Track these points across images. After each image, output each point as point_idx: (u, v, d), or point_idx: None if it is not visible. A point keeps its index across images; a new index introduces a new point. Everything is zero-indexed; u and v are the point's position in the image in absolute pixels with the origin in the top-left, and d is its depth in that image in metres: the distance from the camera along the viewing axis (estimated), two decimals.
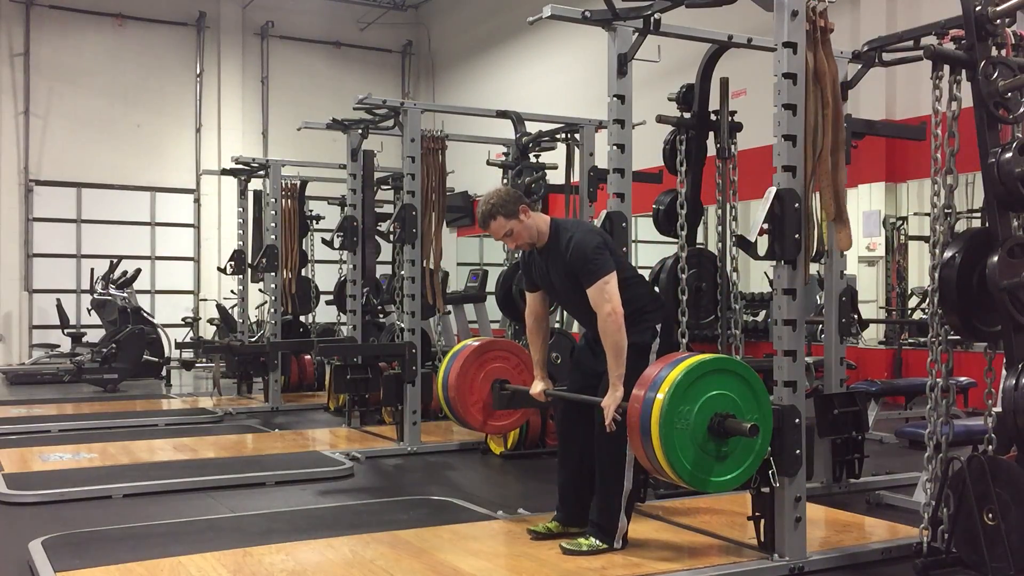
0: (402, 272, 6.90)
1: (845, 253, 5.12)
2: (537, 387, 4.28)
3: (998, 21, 3.53)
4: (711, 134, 5.22)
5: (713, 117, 5.19)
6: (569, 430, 4.17)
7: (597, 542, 3.90)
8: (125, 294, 12.09)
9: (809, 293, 7.50)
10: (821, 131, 3.86)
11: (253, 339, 10.71)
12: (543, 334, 4.31)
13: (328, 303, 10.60)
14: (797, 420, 3.69)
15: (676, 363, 3.53)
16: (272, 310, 9.69)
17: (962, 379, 6.84)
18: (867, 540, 4.22)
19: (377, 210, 8.68)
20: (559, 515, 4.16)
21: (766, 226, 3.69)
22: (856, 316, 5.19)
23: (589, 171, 6.75)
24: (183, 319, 14.54)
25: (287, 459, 6.27)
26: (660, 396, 3.43)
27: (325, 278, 11.29)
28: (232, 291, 12.35)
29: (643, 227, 9.21)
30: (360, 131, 7.76)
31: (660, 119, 5.10)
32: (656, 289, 5.20)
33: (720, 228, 5.26)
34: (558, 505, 4.19)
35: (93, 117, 15.44)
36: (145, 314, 12.31)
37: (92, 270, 13.16)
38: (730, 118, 5.21)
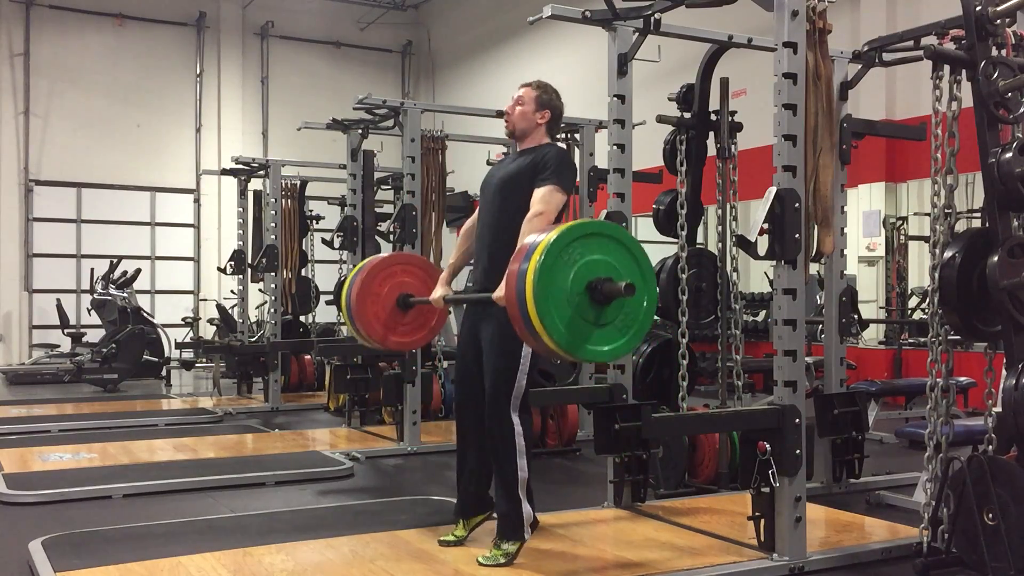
0: None
1: (845, 253, 5.12)
2: (437, 292, 4.12)
3: (998, 21, 3.53)
4: (711, 134, 5.23)
5: (713, 117, 5.20)
6: (463, 408, 4.03)
7: (510, 547, 3.78)
8: (125, 294, 12.08)
9: (809, 293, 7.52)
10: (821, 131, 3.87)
11: (253, 339, 10.71)
12: (471, 242, 4.12)
13: (328, 303, 10.56)
14: (797, 420, 3.70)
15: (551, 228, 3.35)
16: (272, 310, 9.70)
17: (962, 379, 6.84)
18: (867, 540, 4.22)
19: (377, 210, 8.67)
20: (457, 507, 4.08)
21: (766, 226, 3.70)
22: (856, 316, 5.18)
23: (589, 171, 6.76)
24: (183, 319, 14.52)
25: (287, 459, 6.27)
26: (534, 258, 3.20)
27: (325, 278, 11.27)
28: (232, 291, 12.35)
29: (643, 227, 9.20)
30: (360, 131, 7.75)
31: (660, 119, 5.10)
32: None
33: (720, 228, 5.27)
34: (457, 495, 4.10)
35: (93, 117, 15.45)
36: (145, 314, 12.31)
37: (92, 270, 13.16)
38: (730, 118, 5.21)
